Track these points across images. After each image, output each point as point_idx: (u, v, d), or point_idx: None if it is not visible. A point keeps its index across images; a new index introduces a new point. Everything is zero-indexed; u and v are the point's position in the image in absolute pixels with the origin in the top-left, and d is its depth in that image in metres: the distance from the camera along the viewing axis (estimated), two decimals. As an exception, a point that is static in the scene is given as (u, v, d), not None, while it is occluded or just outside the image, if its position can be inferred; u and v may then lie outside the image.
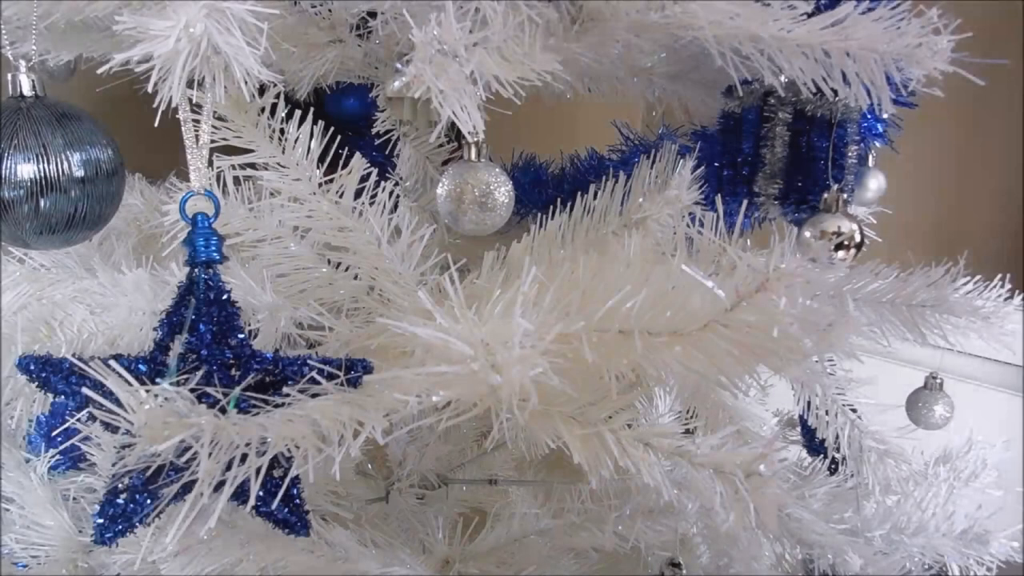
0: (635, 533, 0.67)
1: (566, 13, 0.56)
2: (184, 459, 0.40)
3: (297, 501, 0.49)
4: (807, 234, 0.63)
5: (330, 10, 0.64)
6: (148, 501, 0.45)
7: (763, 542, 0.74)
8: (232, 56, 0.44)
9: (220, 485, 0.41)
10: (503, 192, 0.69)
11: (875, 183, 0.77)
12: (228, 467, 0.41)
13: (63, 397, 0.46)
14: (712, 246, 0.65)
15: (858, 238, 0.63)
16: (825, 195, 0.64)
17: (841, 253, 0.62)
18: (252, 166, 0.60)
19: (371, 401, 0.45)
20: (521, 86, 0.50)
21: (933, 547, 0.74)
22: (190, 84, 0.46)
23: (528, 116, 0.72)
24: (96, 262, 0.69)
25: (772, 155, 0.68)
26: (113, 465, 0.45)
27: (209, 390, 0.45)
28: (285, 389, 0.47)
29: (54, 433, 0.65)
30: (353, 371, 0.48)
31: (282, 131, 0.59)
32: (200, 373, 0.46)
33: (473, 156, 0.69)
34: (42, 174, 0.48)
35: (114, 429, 0.40)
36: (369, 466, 0.88)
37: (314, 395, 0.46)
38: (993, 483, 0.84)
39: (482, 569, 0.65)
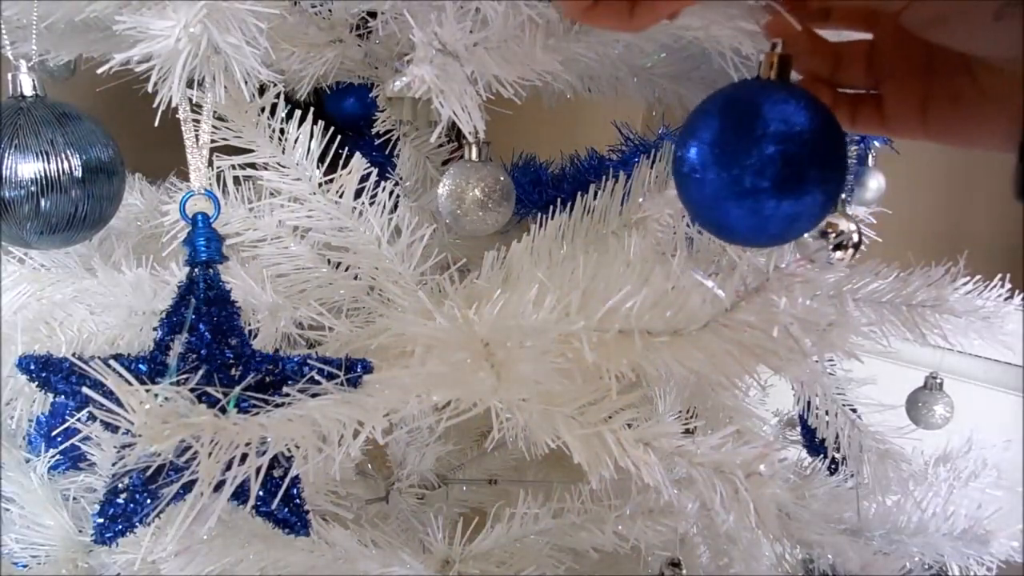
0: (635, 533, 0.67)
1: (566, 13, 0.56)
2: (184, 459, 0.40)
3: (297, 501, 0.49)
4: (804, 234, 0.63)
5: (330, 10, 0.64)
6: (148, 501, 0.45)
7: (763, 542, 0.74)
8: (232, 56, 0.44)
9: (220, 485, 0.41)
10: (504, 192, 0.69)
11: (875, 183, 0.77)
12: (228, 467, 0.41)
13: (63, 397, 0.46)
14: (712, 246, 0.66)
15: (856, 238, 0.62)
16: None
17: (839, 253, 0.62)
18: (252, 166, 0.60)
19: (371, 401, 0.45)
20: (521, 86, 0.50)
21: (933, 547, 0.73)
22: (190, 84, 0.46)
23: (528, 116, 0.71)
24: (96, 262, 0.69)
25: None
26: (113, 465, 0.45)
27: (209, 390, 0.45)
28: (285, 389, 0.47)
29: (54, 433, 0.65)
30: (353, 371, 0.48)
31: (282, 131, 0.59)
32: (200, 373, 0.46)
33: (474, 156, 0.69)
34: (43, 174, 0.48)
35: (114, 429, 0.40)
36: (369, 466, 0.88)
37: (314, 395, 0.46)
38: (993, 483, 0.84)
39: (482, 569, 0.65)
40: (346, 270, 0.64)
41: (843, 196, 0.64)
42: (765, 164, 0.38)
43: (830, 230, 0.62)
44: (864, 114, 0.42)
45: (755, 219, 0.39)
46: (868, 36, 0.40)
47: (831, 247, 0.62)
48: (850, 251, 0.62)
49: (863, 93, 0.42)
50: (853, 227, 0.62)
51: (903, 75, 0.40)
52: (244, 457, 0.41)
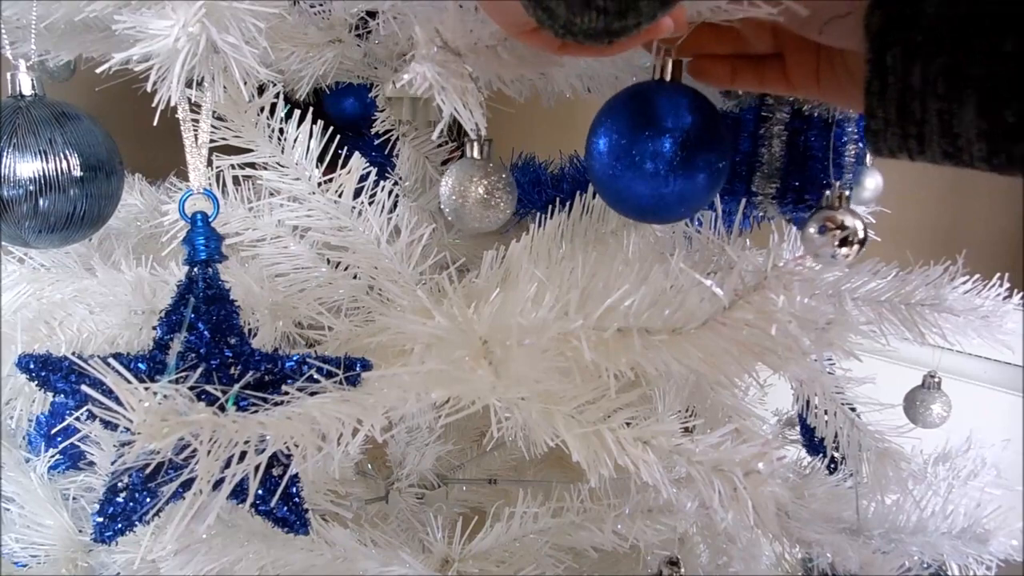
0: (634, 532, 0.67)
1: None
2: (183, 457, 0.40)
3: (296, 500, 0.49)
4: (811, 229, 0.63)
5: (330, 10, 0.64)
6: (147, 499, 0.45)
7: (762, 541, 0.74)
8: (231, 56, 0.44)
9: (219, 483, 0.41)
10: (507, 189, 0.69)
11: (873, 182, 0.76)
12: (227, 465, 0.41)
13: (63, 396, 0.46)
14: (711, 245, 0.66)
15: (862, 234, 0.63)
16: (827, 192, 0.64)
17: (844, 249, 0.62)
18: (252, 166, 0.60)
19: (370, 399, 0.45)
20: (522, 84, 0.50)
21: (932, 546, 0.73)
22: (189, 84, 0.46)
23: (528, 116, 0.71)
24: (96, 262, 0.69)
25: (770, 154, 0.68)
26: (112, 464, 0.45)
27: (208, 388, 0.45)
28: (284, 387, 0.47)
29: (54, 432, 0.65)
30: (352, 370, 0.48)
31: (281, 131, 0.59)
32: (199, 371, 0.46)
33: (476, 153, 0.70)
34: (41, 173, 0.48)
35: (114, 428, 0.40)
36: (369, 466, 0.88)
37: (313, 393, 0.46)
38: (992, 482, 0.84)
39: (482, 569, 0.65)
40: (345, 269, 0.64)
41: (846, 192, 0.64)
42: (662, 151, 0.46)
43: (832, 225, 0.62)
44: (771, 76, 0.49)
45: (656, 197, 0.47)
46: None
47: (836, 243, 0.62)
48: (856, 247, 0.62)
49: (769, 58, 0.49)
50: (859, 223, 0.62)
51: (800, 47, 0.47)
52: (243, 455, 0.41)
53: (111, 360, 0.43)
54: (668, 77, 0.48)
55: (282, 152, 0.60)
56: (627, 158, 0.47)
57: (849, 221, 0.62)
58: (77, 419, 0.46)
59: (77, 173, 0.49)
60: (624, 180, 0.47)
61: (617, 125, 0.48)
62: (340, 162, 0.62)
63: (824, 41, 0.42)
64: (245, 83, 0.47)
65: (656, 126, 0.46)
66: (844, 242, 0.63)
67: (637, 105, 0.48)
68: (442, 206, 0.70)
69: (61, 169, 0.49)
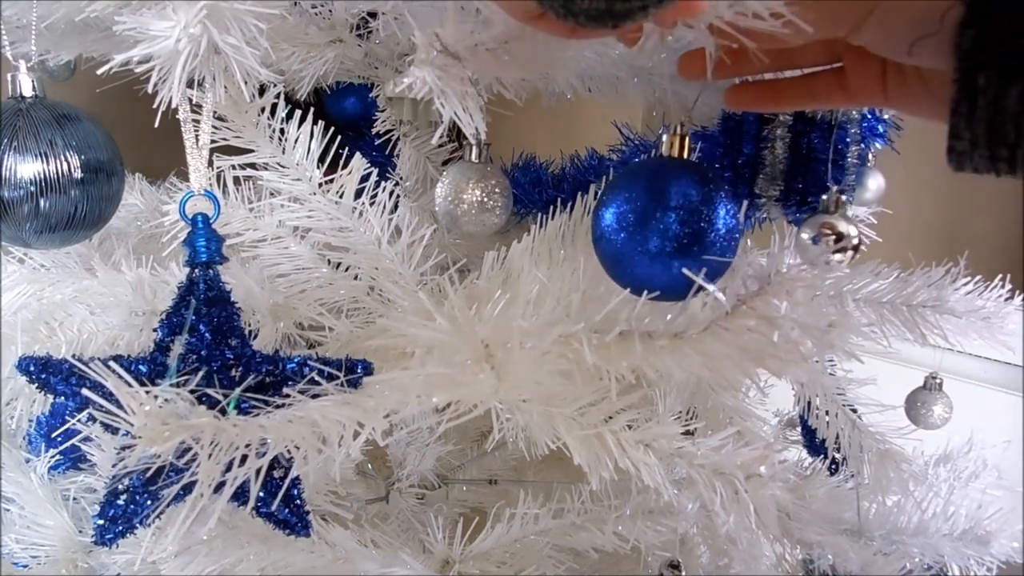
0: (635, 533, 0.67)
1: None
2: (184, 460, 0.40)
3: (297, 502, 0.49)
4: (804, 236, 0.63)
5: (331, 10, 0.64)
6: (148, 502, 0.45)
7: (763, 542, 0.74)
8: (232, 56, 0.44)
9: (220, 486, 0.41)
10: (502, 193, 0.69)
11: (875, 183, 0.76)
12: (228, 468, 0.41)
13: (63, 398, 0.46)
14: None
15: (856, 240, 0.62)
16: (823, 196, 0.63)
17: (839, 255, 0.62)
18: (252, 166, 0.60)
19: (371, 402, 0.45)
20: (522, 86, 0.50)
21: (933, 547, 0.73)
22: (190, 84, 0.46)
23: (528, 116, 0.71)
24: (96, 262, 0.69)
25: (773, 156, 0.68)
26: (113, 466, 0.45)
27: (209, 391, 0.45)
28: (285, 390, 0.47)
29: (54, 433, 0.65)
30: (353, 372, 0.48)
31: (282, 131, 0.59)
32: (200, 374, 0.46)
33: (474, 157, 0.69)
34: (42, 174, 0.48)
35: (114, 430, 0.40)
36: (369, 466, 0.88)
37: (314, 396, 0.46)
38: (993, 483, 0.84)
39: (482, 569, 0.65)
40: (346, 270, 0.64)
41: (842, 197, 0.64)
42: (668, 230, 0.45)
43: (828, 231, 0.62)
44: (826, 90, 0.47)
45: (662, 275, 0.46)
46: None
47: (832, 250, 0.62)
48: (850, 253, 0.62)
49: (821, 70, 0.46)
50: (853, 229, 0.62)
51: (863, 55, 0.43)
52: (244, 458, 0.41)
53: (112, 362, 0.42)
54: (676, 154, 0.48)
55: (283, 152, 0.60)
56: (633, 236, 0.46)
57: (844, 227, 0.62)
58: (78, 421, 0.46)
59: (78, 174, 0.49)
60: (629, 257, 0.46)
61: (624, 202, 0.47)
62: (341, 162, 0.61)
63: (914, 63, 0.40)
64: (246, 83, 0.47)
65: (663, 204, 0.46)
66: (839, 248, 0.62)
67: (645, 181, 0.47)
68: (437, 209, 0.70)
69: (62, 170, 0.49)
